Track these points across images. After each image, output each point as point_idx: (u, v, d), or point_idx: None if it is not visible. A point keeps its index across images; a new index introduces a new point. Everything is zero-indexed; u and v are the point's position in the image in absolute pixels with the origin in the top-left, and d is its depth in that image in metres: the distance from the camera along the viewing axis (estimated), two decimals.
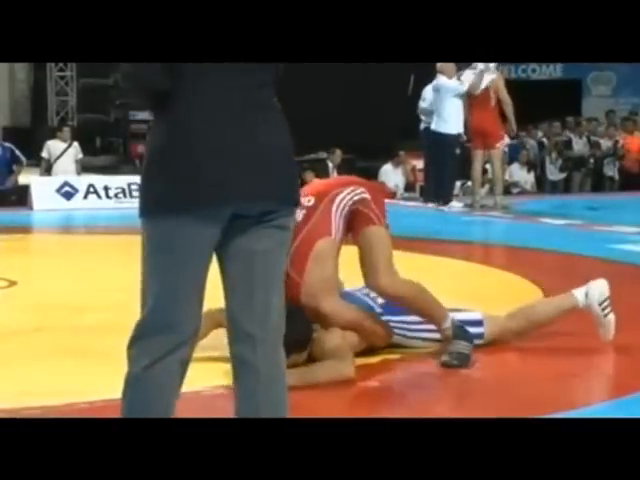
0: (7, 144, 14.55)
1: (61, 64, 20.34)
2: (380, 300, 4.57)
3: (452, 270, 7.31)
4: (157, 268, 2.70)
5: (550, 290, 5.96)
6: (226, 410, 2.89)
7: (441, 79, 11.88)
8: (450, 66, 11.86)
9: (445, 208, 11.77)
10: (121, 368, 4.16)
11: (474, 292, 6.23)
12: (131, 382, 2.76)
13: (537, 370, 4.40)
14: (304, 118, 16.55)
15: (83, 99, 20.44)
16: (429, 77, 12.50)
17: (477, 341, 4.55)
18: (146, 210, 2.66)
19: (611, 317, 4.68)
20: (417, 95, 13.06)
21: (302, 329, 4.11)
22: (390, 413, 3.89)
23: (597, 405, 3.95)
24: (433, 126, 11.96)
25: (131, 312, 5.41)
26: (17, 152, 14.57)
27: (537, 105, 19.44)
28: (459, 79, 11.95)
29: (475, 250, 8.68)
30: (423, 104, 12.57)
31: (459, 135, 11.99)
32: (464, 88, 11.86)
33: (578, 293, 4.78)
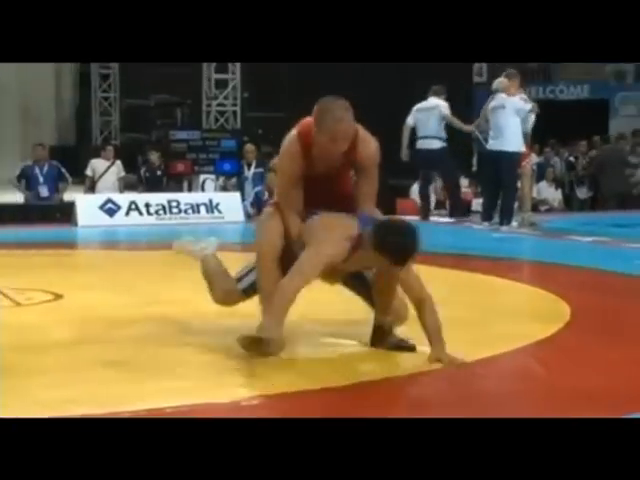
0: (54, 162, 14.69)
1: (105, 86, 20.50)
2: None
3: (483, 285, 7.28)
4: None
5: (578, 304, 5.93)
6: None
7: (505, 97, 11.58)
8: (513, 84, 11.77)
9: (505, 228, 11.47)
10: (161, 378, 4.20)
11: (504, 307, 6.21)
12: None
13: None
14: None
15: (126, 119, 20.60)
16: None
17: None
18: None
19: None
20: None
21: None
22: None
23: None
24: (494, 145, 11.62)
25: (170, 324, 5.48)
26: (63, 170, 14.70)
27: (565, 125, 19.38)
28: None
29: (505, 266, 8.63)
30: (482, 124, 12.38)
31: (521, 153, 11.75)
32: (529, 107, 11.71)
33: None
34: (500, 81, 11.84)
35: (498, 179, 11.65)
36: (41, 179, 14.35)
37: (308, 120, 4.80)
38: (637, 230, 10.74)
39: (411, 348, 4.72)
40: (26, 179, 14.45)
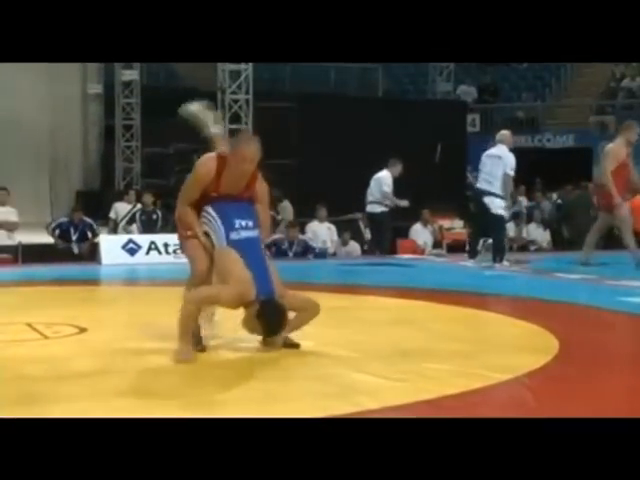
0: (88, 220, 14.64)
1: (128, 135, 20.62)
2: None
3: (477, 320, 7.26)
4: None
5: (566, 338, 5.90)
6: None
7: (505, 150, 11.78)
8: (510, 141, 12.10)
9: (498, 265, 11.52)
10: (182, 405, 4.17)
11: (495, 339, 6.18)
12: None
13: None
14: (342, 182, 16.66)
15: (146, 166, 20.69)
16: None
17: None
18: None
19: None
20: (443, 162, 13.08)
21: None
22: None
23: None
24: (485, 187, 11.73)
25: None
26: (95, 227, 14.67)
27: (552, 170, 19.46)
28: None
29: (497, 302, 8.60)
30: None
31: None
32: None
33: None
34: (504, 134, 12.12)
35: (484, 219, 11.82)
36: (74, 237, 14.29)
37: (225, 151, 5.66)
38: (619, 268, 10.71)
39: (296, 345, 5.53)
40: (60, 232, 14.38)
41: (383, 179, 13.71)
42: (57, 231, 14.41)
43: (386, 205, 13.69)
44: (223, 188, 5.56)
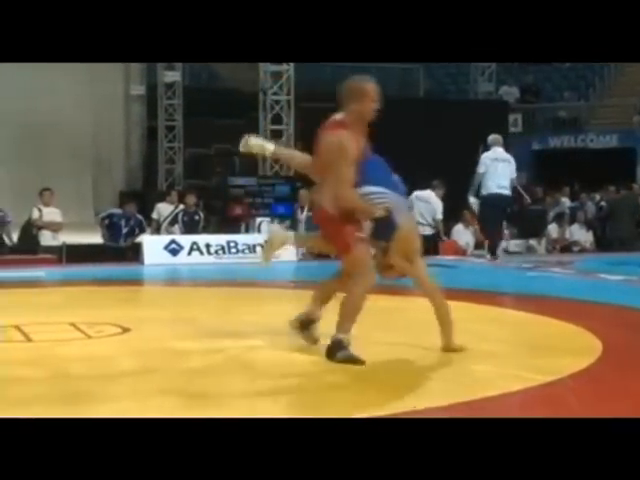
0: (139, 216, 14.74)
1: (170, 136, 20.76)
2: None
3: (519, 321, 7.20)
4: None
5: (609, 340, 5.83)
6: None
7: (503, 152, 12.56)
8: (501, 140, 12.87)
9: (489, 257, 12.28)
10: (221, 404, 4.19)
11: (537, 340, 6.13)
12: None
13: None
14: None
15: (188, 167, 20.82)
16: None
17: None
18: None
19: None
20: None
21: None
22: None
23: None
24: (502, 190, 12.22)
25: (229, 355, 5.47)
26: (144, 224, 14.76)
27: (595, 171, 19.26)
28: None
29: (539, 303, 8.53)
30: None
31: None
32: None
33: None
34: (496, 137, 12.79)
35: (500, 219, 12.62)
36: (125, 230, 14.36)
37: (335, 119, 5.33)
38: None
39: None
40: (109, 222, 14.45)
41: (436, 206, 14.28)
42: (107, 221, 14.46)
43: (434, 228, 14.39)
44: (359, 152, 5.30)
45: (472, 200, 12.74)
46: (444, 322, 5.38)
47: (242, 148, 5.75)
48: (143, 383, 4.78)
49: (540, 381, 4.70)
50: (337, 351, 5.13)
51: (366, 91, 5.30)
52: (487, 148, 12.94)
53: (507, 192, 12.38)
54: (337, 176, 5.17)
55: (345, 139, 5.20)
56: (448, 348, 5.38)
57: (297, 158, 5.93)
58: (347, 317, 5.19)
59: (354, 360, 5.07)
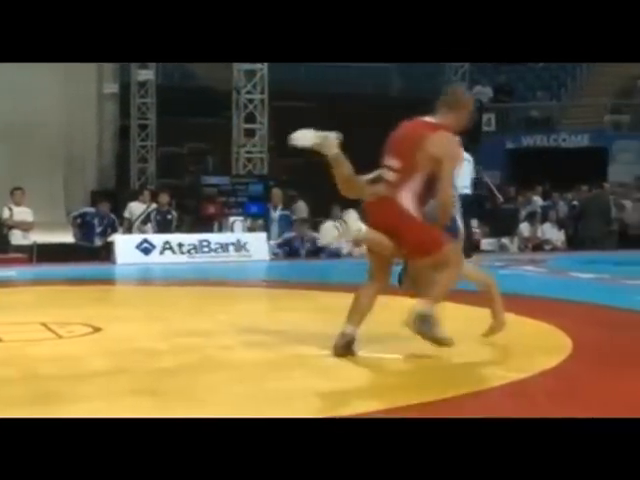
0: (112, 215, 14.67)
1: (143, 135, 20.68)
2: None
3: (489, 319, 7.22)
4: None
5: (580, 338, 5.88)
6: None
7: (462, 150, 12.67)
8: None
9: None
10: (193, 404, 4.18)
11: (510, 339, 6.15)
12: None
13: None
14: None
15: (161, 166, 20.75)
16: None
17: None
18: None
19: None
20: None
21: None
22: None
23: None
24: (465, 191, 12.47)
25: (201, 355, 5.46)
26: (117, 224, 14.69)
27: (567, 170, 19.39)
28: None
29: (510, 301, 8.57)
30: None
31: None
32: None
33: None
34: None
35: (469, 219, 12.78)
36: (98, 229, 14.28)
37: (431, 122, 5.34)
38: (635, 268, 10.66)
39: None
40: (82, 222, 14.37)
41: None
42: (79, 220, 14.38)
43: None
44: None
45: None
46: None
47: (298, 142, 5.51)
48: (114, 383, 4.75)
49: (512, 379, 4.73)
50: (427, 326, 5.14)
51: (467, 103, 5.46)
52: None
53: (469, 191, 12.51)
54: (445, 175, 5.18)
55: (457, 142, 5.33)
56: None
57: (349, 168, 5.50)
58: (437, 296, 5.23)
59: (442, 341, 5.17)
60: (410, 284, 5.49)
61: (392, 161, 5.31)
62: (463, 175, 12.30)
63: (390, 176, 5.32)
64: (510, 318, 7.16)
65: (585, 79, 25.45)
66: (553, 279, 10.50)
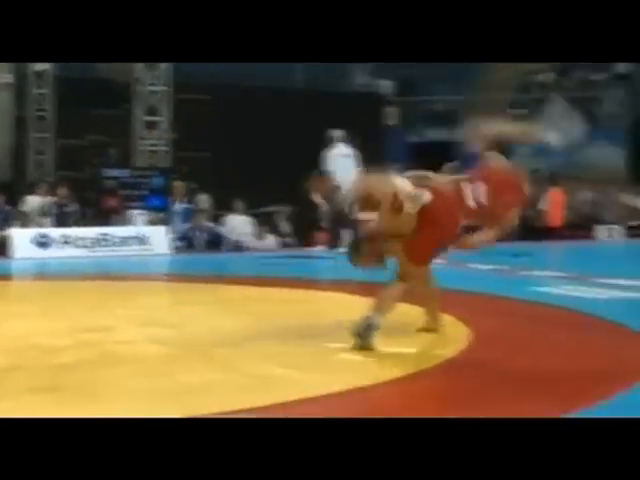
0: (8, 208, 14.36)
1: (41, 126, 20.26)
2: None
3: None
4: None
5: (479, 328, 6.02)
6: None
7: (346, 147, 13.14)
8: None
9: None
10: (96, 400, 4.13)
11: (410, 331, 6.26)
12: None
13: None
14: (260, 175, 16.60)
15: (60, 158, 20.35)
16: None
17: None
18: None
19: None
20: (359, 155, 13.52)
21: None
22: None
23: None
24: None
25: (101, 350, 5.40)
26: (12, 217, 14.38)
27: None
28: None
29: (411, 293, 8.70)
30: None
31: None
32: None
33: None
34: (342, 133, 13.75)
35: None
36: None
37: None
38: (532, 259, 10.95)
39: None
40: None
41: None
42: None
43: None
44: None
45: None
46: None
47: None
48: (11, 381, 4.66)
49: (412, 370, 4.81)
50: (368, 333, 5.38)
51: None
52: (331, 144, 13.19)
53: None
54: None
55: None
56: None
57: None
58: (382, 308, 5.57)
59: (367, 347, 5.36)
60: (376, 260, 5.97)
61: None
62: (349, 171, 12.46)
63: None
64: (411, 309, 7.30)
65: (486, 74, 25.95)
66: (452, 270, 10.68)
